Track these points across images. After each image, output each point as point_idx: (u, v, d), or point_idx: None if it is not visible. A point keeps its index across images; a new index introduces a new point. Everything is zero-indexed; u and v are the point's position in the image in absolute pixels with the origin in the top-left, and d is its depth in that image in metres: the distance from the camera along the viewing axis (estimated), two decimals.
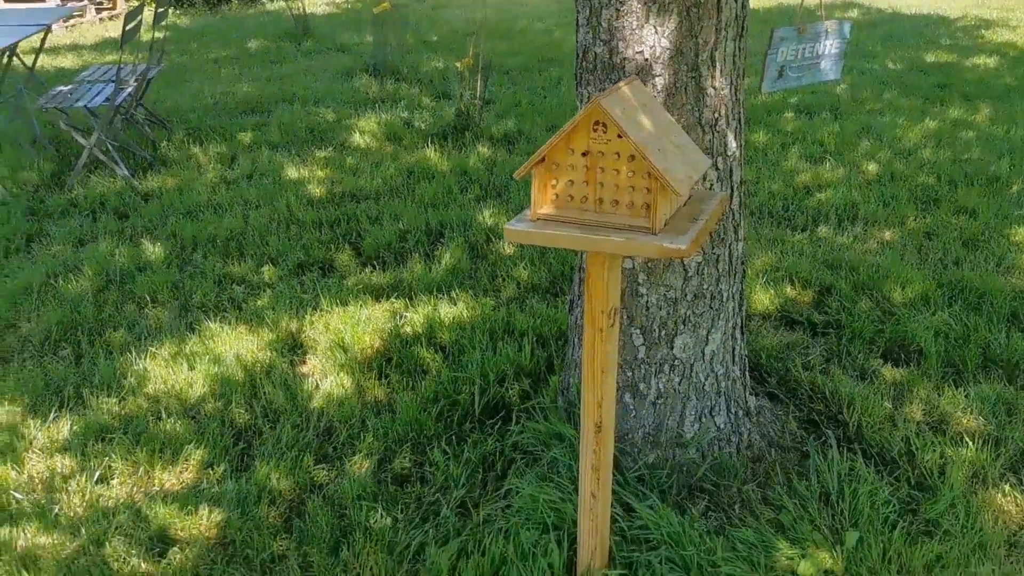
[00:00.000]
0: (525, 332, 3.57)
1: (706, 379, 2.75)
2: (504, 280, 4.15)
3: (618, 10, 2.40)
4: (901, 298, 3.90)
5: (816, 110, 6.84)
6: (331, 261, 4.44)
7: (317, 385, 3.36)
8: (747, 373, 2.94)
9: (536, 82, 7.96)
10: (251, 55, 9.64)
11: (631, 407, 2.76)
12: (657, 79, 2.42)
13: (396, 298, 4.03)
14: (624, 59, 2.44)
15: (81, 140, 5.57)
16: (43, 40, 6.53)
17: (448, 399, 3.19)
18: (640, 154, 1.83)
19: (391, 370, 3.46)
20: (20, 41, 5.73)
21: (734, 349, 2.82)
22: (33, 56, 6.74)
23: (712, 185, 2.56)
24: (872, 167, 5.55)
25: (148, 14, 10.85)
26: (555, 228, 1.93)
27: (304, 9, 11.07)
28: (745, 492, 2.73)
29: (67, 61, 9.50)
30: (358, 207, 5.03)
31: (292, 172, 5.69)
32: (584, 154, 1.92)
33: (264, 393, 3.30)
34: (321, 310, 3.88)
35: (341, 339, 3.63)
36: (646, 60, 2.41)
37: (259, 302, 4.01)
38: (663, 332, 2.66)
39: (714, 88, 2.46)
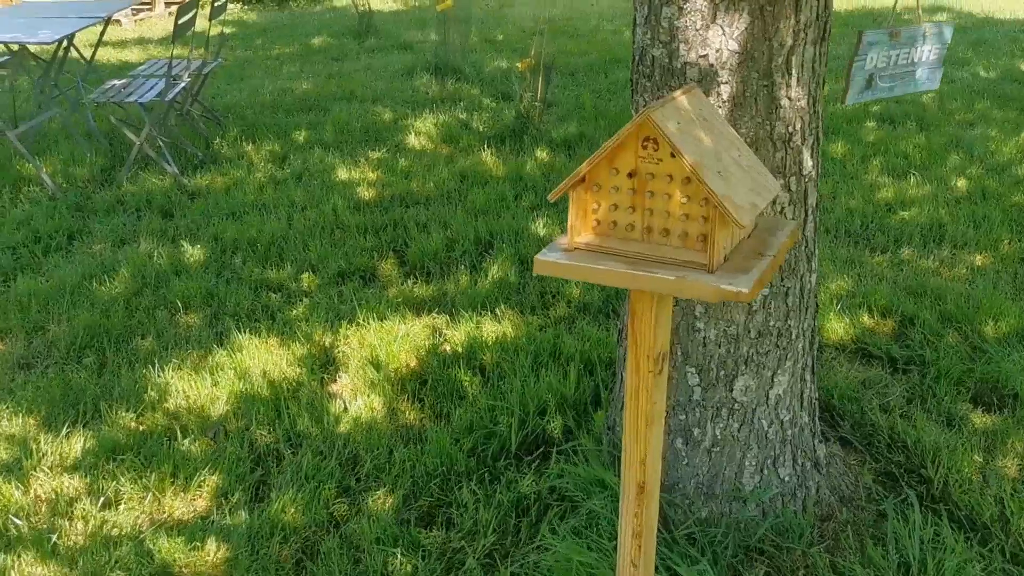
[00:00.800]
0: (572, 357, 3.29)
1: (770, 426, 2.43)
2: (554, 297, 3.87)
3: (681, 8, 2.10)
4: (994, 333, 3.51)
5: (900, 120, 6.40)
6: (373, 270, 4.21)
7: (345, 407, 3.13)
8: (816, 419, 2.62)
9: (602, 84, 7.65)
10: (313, 52, 9.52)
11: (683, 454, 2.45)
12: (723, 87, 2.12)
13: (438, 313, 3.78)
14: (686, 64, 2.14)
15: (131, 136, 5.45)
16: (102, 32, 6.45)
17: (483, 430, 2.93)
18: (696, 177, 1.54)
19: (426, 392, 3.21)
20: (75, 33, 5.64)
21: (803, 393, 2.49)
22: (92, 49, 6.68)
23: (783, 209, 2.24)
24: (961, 183, 5.12)
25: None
26: (594, 261, 1.65)
27: (369, 6, 10.93)
28: (812, 556, 2.40)
29: (132, 55, 9.50)
30: (406, 213, 4.80)
31: (343, 173, 5.49)
32: (631, 175, 1.63)
33: (289, 414, 3.08)
34: (357, 324, 3.65)
35: (375, 356, 3.40)
36: (711, 65, 2.11)
37: (294, 312, 3.80)
38: (722, 372, 2.35)
39: (789, 99, 2.15)
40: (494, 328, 3.60)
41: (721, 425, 2.41)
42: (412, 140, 6.14)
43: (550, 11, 11.66)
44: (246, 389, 3.22)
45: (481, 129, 6.35)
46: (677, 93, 1.69)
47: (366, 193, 5.16)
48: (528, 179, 5.30)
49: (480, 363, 3.38)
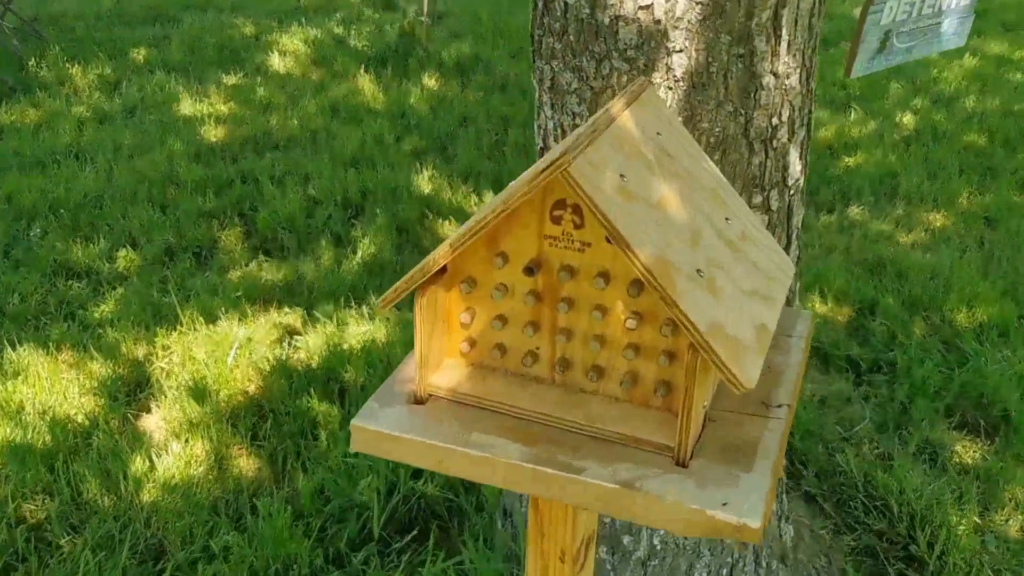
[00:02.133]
0: None
1: None
2: None
3: None
4: (967, 322, 2.90)
5: (833, 40, 5.70)
6: (213, 243, 3.34)
7: (151, 463, 2.32)
8: (784, 495, 1.94)
9: None
10: None
11: (610, 568, 1.75)
12: (675, 59, 1.34)
13: (290, 307, 2.96)
14: (617, 19, 1.34)
15: None
16: None
17: (340, 498, 2.18)
18: (655, 286, 0.77)
19: (265, 433, 2.43)
20: None
21: None
22: None
23: None
24: (908, 119, 4.48)
25: None
26: (460, 429, 0.88)
27: None
28: None
29: None
30: (260, 162, 3.90)
31: (187, 107, 4.51)
32: (531, 269, 0.85)
33: (71, 477, 2.26)
34: (180, 328, 2.81)
35: (201, 380, 2.58)
36: (657, 22, 1.32)
37: (100, 310, 2.92)
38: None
39: (775, 75, 1.38)
40: (362, 330, 2.81)
41: (661, 529, 1.70)
42: (276, 62, 5.16)
43: None
44: (15, 437, 2.37)
45: (360, 47, 5.40)
46: (618, 105, 0.90)
47: (213, 133, 4.21)
48: (412, 115, 4.43)
49: (341, 383, 2.60)
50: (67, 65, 5.05)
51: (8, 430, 2.38)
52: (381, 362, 2.64)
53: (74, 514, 2.18)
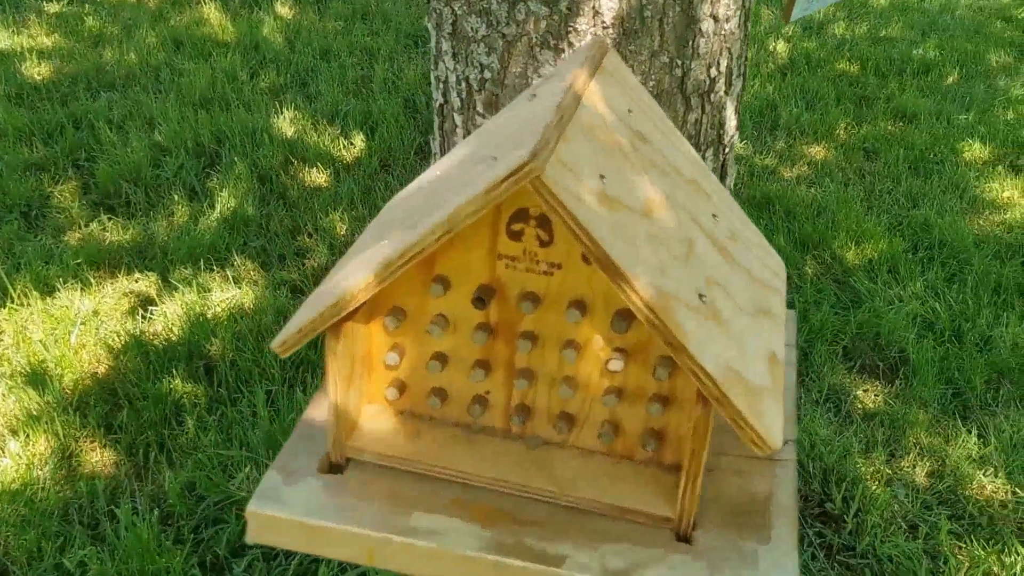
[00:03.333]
0: None
1: None
2: (311, 237, 2.82)
3: None
4: (857, 260, 2.87)
5: None
6: (44, 201, 2.94)
7: None
8: None
9: None
10: None
11: None
12: (604, 3, 1.13)
13: (141, 271, 2.63)
14: None
15: None
16: None
17: (215, 494, 1.93)
18: (662, 329, 0.58)
19: (124, 422, 2.14)
20: None
21: None
22: None
23: None
24: (782, 47, 4.42)
25: None
26: (392, 502, 0.67)
27: None
28: None
29: None
30: (94, 104, 3.46)
31: (3, 39, 3.97)
32: (481, 300, 0.65)
33: None
34: (11, 304, 2.45)
35: (40, 363, 2.25)
36: None
37: None
38: None
39: (714, 17, 1.19)
40: (227, 295, 2.53)
41: None
42: None
43: None
44: None
45: None
46: (581, 76, 0.69)
47: (36, 71, 3.72)
48: (267, 47, 4.05)
49: (206, 360, 2.32)
50: None
51: None
52: (251, 332, 2.38)
53: None
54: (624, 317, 0.63)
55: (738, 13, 1.23)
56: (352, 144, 3.31)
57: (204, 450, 2.03)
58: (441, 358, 0.68)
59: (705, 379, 0.59)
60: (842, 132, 3.70)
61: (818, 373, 2.42)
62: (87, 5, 4.42)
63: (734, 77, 1.28)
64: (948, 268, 2.86)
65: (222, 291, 2.55)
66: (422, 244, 0.59)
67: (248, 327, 2.39)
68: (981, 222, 3.14)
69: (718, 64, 1.23)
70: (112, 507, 1.92)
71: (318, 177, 3.11)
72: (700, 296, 0.64)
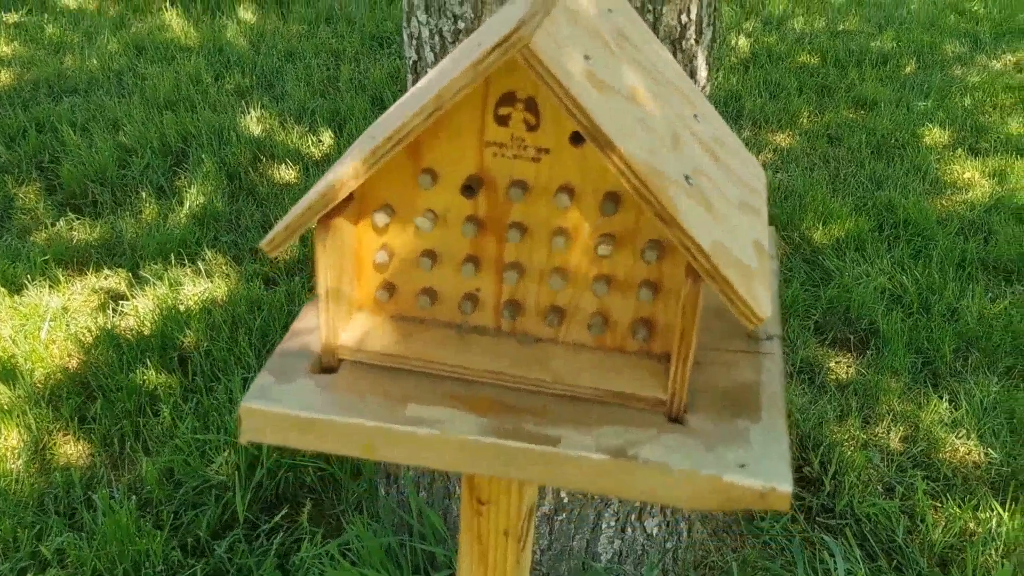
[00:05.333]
0: None
1: None
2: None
3: None
4: (826, 239, 2.91)
5: None
6: (8, 203, 2.90)
7: None
8: None
9: None
10: None
11: None
12: None
13: (110, 267, 2.60)
14: None
15: None
16: None
17: (194, 480, 1.91)
18: (652, 201, 0.59)
19: (97, 413, 2.11)
20: None
21: None
22: None
23: None
24: (743, 42, 4.48)
25: None
26: (387, 396, 0.67)
27: None
28: None
29: None
30: (57, 108, 3.43)
31: None
32: (470, 188, 0.65)
33: None
34: None
35: (9, 358, 2.22)
36: None
37: None
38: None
39: None
40: (198, 289, 2.51)
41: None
42: None
43: None
44: None
45: None
46: None
47: None
48: (230, 51, 4.03)
49: (180, 351, 2.30)
50: None
51: None
52: (225, 323, 2.36)
53: None
54: (613, 200, 0.64)
55: None
56: (320, 141, 3.31)
57: (181, 437, 2.00)
58: (431, 255, 0.69)
59: (696, 252, 0.60)
60: (805, 120, 3.76)
61: (792, 347, 2.45)
62: (46, 15, 4.39)
63: (704, 26, 1.30)
64: (913, 245, 2.90)
65: (194, 285, 2.53)
66: (411, 125, 0.60)
67: (222, 318, 2.37)
68: (944, 202, 3.20)
69: (688, 11, 1.25)
70: (89, 494, 1.89)
71: (287, 173, 3.10)
72: (687, 178, 0.65)
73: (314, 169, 3.12)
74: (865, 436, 2.16)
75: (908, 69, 4.31)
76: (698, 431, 0.65)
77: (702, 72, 1.34)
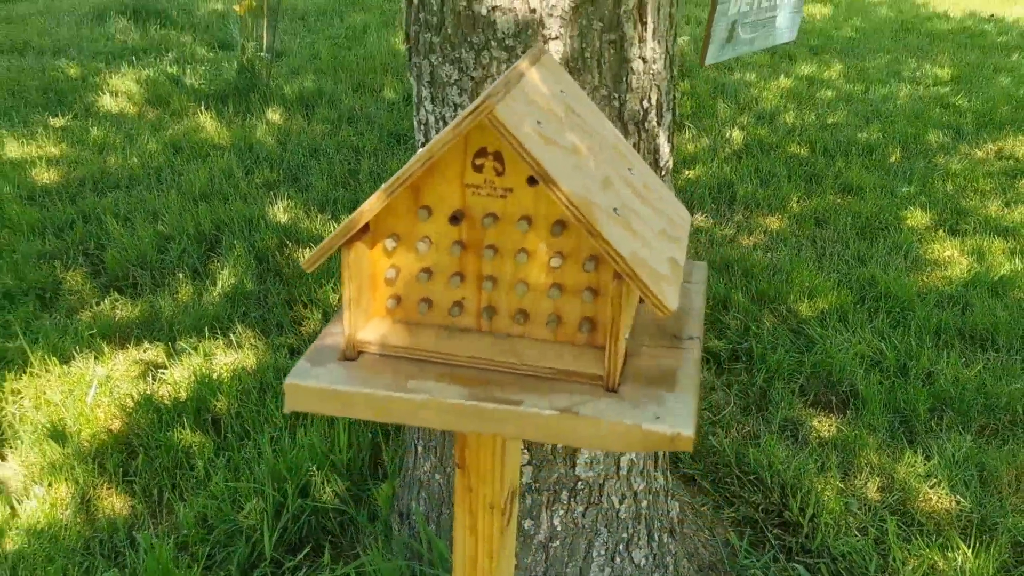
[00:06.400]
0: None
1: (621, 502, 1.81)
2: (307, 307, 3.05)
3: None
4: (810, 312, 3.12)
5: None
6: (56, 285, 3.17)
7: (13, 509, 2.17)
8: (669, 473, 2.03)
9: (337, 29, 6.73)
10: None
11: None
12: (552, 45, 1.41)
13: (150, 341, 2.85)
14: (494, 9, 1.40)
15: None
16: None
17: (225, 524, 2.10)
18: (582, 221, 0.82)
19: (138, 469, 2.32)
20: None
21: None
22: None
23: None
24: (737, 134, 4.78)
25: None
26: (397, 378, 0.90)
27: None
28: None
29: None
30: (101, 201, 3.74)
31: (13, 149, 4.27)
32: (455, 218, 0.89)
33: None
34: (31, 371, 2.65)
35: (59, 421, 2.44)
36: (532, 11, 1.39)
37: None
38: (560, 444, 1.68)
39: (643, 59, 1.47)
40: (230, 359, 2.74)
41: (561, 512, 1.75)
42: (107, 102, 4.97)
43: None
44: None
45: (197, 86, 5.28)
46: (524, 63, 0.95)
47: (45, 176, 4.01)
48: (260, 148, 4.37)
49: (213, 413, 2.52)
50: None
51: None
52: (254, 388, 2.58)
53: None
54: (560, 225, 0.87)
55: (663, 56, 1.52)
56: None
57: (215, 486, 2.20)
58: (427, 271, 0.91)
59: (618, 259, 0.82)
60: (794, 205, 4.01)
61: (776, 408, 2.64)
62: (90, 119, 4.76)
63: (664, 110, 1.56)
64: (893, 316, 3.11)
65: (225, 355, 2.77)
66: (412, 169, 0.83)
67: (251, 384, 2.60)
68: (924, 278, 3.41)
69: (649, 98, 1.51)
70: (133, 534, 2.09)
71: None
72: (615, 210, 0.87)
73: (336, 253, 3.38)
74: (843, 485, 2.33)
75: (893, 158, 4.58)
76: (626, 397, 0.87)
77: (664, 149, 1.59)
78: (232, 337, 2.84)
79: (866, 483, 2.36)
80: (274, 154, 4.30)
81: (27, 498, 2.21)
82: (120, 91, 5.12)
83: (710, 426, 2.53)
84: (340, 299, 0.84)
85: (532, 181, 0.85)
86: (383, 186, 0.86)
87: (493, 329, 0.93)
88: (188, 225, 3.50)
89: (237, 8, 5.24)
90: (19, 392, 2.58)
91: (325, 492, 2.20)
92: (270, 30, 5.24)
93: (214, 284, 3.16)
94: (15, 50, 5.93)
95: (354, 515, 2.12)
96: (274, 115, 4.84)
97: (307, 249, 3.41)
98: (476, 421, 0.85)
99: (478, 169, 0.87)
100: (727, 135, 4.78)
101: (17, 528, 2.12)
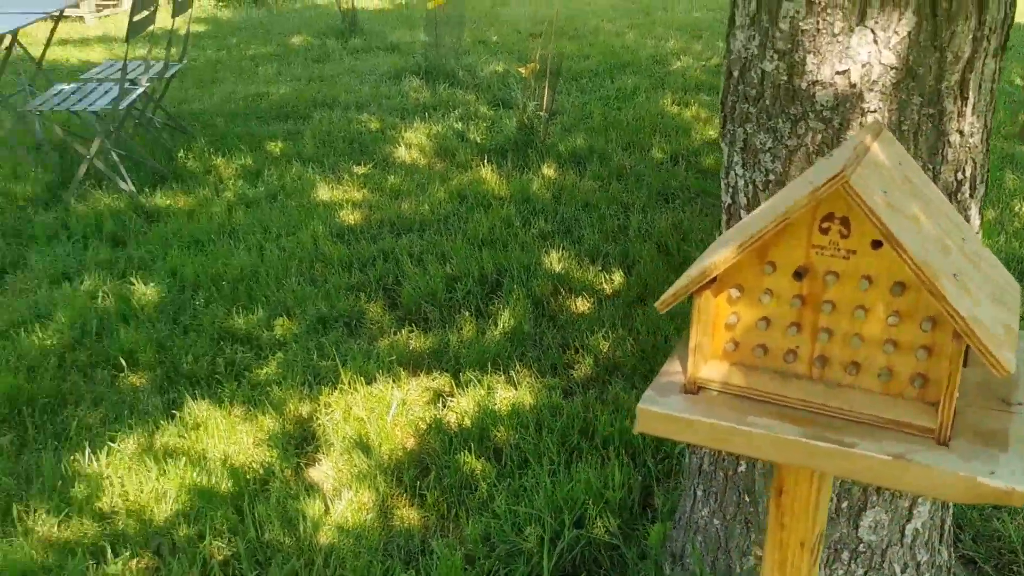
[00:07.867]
0: (610, 440, 2.65)
1: (903, 571, 1.80)
2: (578, 352, 3.23)
3: (810, 4, 1.46)
4: None
5: None
6: (360, 314, 3.55)
7: (327, 507, 2.47)
8: (953, 550, 1.99)
9: (608, 90, 7.02)
10: (292, 52, 8.83)
11: None
12: (869, 118, 1.49)
13: (439, 371, 3.13)
14: (815, 83, 1.50)
15: (79, 149, 4.76)
16: (53, 29, 5.76)
17: (505, 544, 2.28)
18: (926, 282, 0.90)
19: (427, 485, 2.56)
20: (19, 29, 4.94)
21: (944, 522, 1.86)
22: (42, 48, 5.97)
23: None
24: (1022, 208, 4.52)
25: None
26: (736, 412, 1.01)
27: (353, 3, 10.24)
28: None
29: (96, 54, 8.77)
30: (398, 242, 4.14)
31: (324, 192, 4.82)
32: (799, 275, 0.99)
33: (254, 519, 2.42)
34: (341, 387, 2.99)
35: (364, 435, 2.74)
36: (853, 86, 1.48)
37: (264, 371, 3.14)
38: (844, 503, 1.72)
39: (960, 133, 1.51)
40: (508, 395, 2.96)
41: (840, 571, 1.77)
42: (402, 153, 5.49)
43: (546, 11, 11.02)
44: (201, 482, 2.55)
45: (479, 140, 5.70)
46: (867, 137, 1.04)
47: (350, 217, 4.49)
48: (536, 200, 4.66)
49: (493, 443, 2.73)
50: (212, 156, 5.46)
51: (195, 474, 2.57)
52: (531, 423, 2.77)
53: (260, 551, 2.33)
54: (900, 286, 0.94)
55: (981, 131, 1.55)
56: (612, 279, 3.76)
57: (498, 508, 2.40)
58: (766, 320, 1.02)
59: (959, 319, 0.89)
60: None
61: None
62: (387, 167, 5.27)
63: (978, 182, 1.58)
64: None
65: (504, 391, 2.99)
66: (767, 229, 0.95)
67: (528, 418, 2.79)
68: None
69: (963, 170, 1.54)
70: (427, 540, 2.31)
71: (583, 305, 3.56)
72: (954, 275, 0.94)
73: (607, 302, 3.55)
74: None
75: None
76: (958, 451, 0.93)
77: (975, 220, 1.61)
78: (512, 374, 3.06)
79: None
80: (549, 206, 4.57)
81: (337, 499, 2.50)
82: (413, 144, 5.64)
83: (993, 509, 2.43)
84: (683, 339, 0.94)
85: (876, 244, 0.94)
86: (735, 243, 0.98)
87: (824, 377, 1.02)
88: (473, 268, 3.81)
89: (523, 71, 5.63)
90: (330, 405, 2.92)
91: (597, 526, 2.33)
92: (550, 92, 5.58)
93: (495, 324, 3.42)
94: (326, 104, 6.67)
95: (625, 551, 2.23)
96: (549, 170, 5.13)
97: (579, 298, 3.60)
98: (811, 458, 0.95)
99: (824, 231, 0.97)
100: (1016, 208, 4.52)
101: (329, 524, 2.41)
